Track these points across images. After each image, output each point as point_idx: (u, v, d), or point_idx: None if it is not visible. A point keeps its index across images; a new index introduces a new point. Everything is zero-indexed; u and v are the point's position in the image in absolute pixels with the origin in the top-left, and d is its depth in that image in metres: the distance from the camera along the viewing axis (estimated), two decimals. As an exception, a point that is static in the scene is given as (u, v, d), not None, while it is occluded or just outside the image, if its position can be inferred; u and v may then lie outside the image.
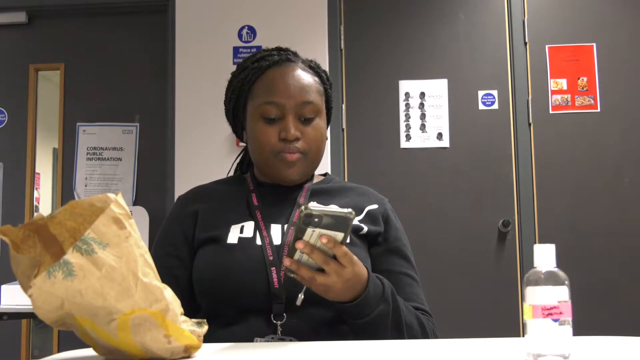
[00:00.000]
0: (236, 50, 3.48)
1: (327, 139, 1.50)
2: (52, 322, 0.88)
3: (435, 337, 1.35)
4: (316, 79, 1.46)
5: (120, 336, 0.88)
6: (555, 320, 0.86)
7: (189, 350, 0.96)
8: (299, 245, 1.07)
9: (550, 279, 0.88)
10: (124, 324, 0.87)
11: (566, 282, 0.88)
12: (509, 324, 3.39)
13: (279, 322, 1.24)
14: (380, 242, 1.43)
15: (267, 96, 1.40)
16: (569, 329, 0.87)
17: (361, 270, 1.16)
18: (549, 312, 0.86)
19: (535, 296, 0.87)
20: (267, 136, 1.38)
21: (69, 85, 3.86)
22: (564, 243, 3.44)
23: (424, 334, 1.31)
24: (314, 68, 1.49)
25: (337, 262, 1.11)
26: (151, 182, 3.71)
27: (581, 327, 3.52)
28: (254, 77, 1.44)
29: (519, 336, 1.03)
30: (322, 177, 1.56)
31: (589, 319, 3.37)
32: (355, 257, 1.14)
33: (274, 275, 1.26)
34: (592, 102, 3.51)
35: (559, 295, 0.87)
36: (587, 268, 3.42)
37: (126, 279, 0.86)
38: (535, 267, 0.90)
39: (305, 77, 1.43)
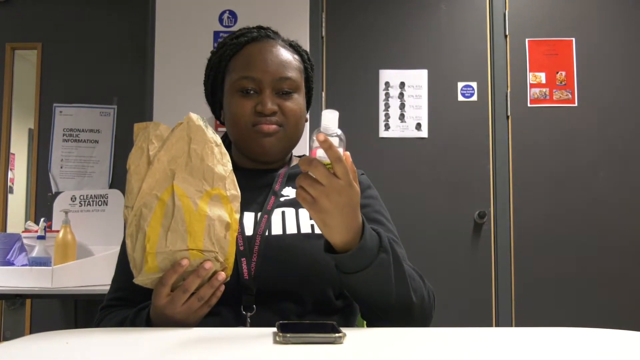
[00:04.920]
0: (217, 34, 3.45)
1: (306, 120, 1.47)
2: (163, 163, 1.07)
3: (433, 294, 1.31)
4: (296, 56, 1.45)
5: (200, 206, 1.07)
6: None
7: (225, 266, 1.09)
8: (320, 137, 1.02)
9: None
10: (207, 196, 1.08)
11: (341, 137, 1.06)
12: (483, 315, 3.42)
13: (248, 314, 1.22)
14: None
15: (243, 71, 1.38)
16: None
17: (357, 206, 1.09)
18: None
19: (314, 143, 1.02)
20: (243, 108, 1.36)
21: (46, 65, 3.81)
22: (539, 235, 3.47)
23: (426, 288, 1.27)
24: (294, 46, 1.48)
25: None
26: (128, 165, 3.68)
27: (556, 320, 3.54)
28: (231, 52, 1.42)
29: (492, 326, 1.04)
30: (299, 159, 1.54)
31: (564, 312, 3.41)
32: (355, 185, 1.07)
33: (244, 266, 1.24)
34: (570, 96, 3.54)
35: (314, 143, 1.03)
36: (562, 259, 3.45)
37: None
38: (321, 129, 1.03)
39: (284, 53, 1.42)
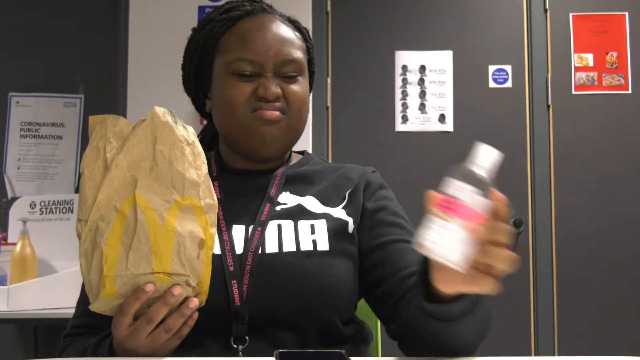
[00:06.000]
0: (202, 10, 3.45)
1: (309, 110, 1.47)
2: (123, 169, 1.05)
3: None
4: (297, 34, 1.44)
5: (167, 221, 1.05)
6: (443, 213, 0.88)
7: (198, 290, 1.08)
8: (499, 196, 0.93)
9: (470, 176, 0.90)
10: (176, 208, 1.07)
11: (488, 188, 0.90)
12: (519, 340, 3.41)
13: (240, 347, 1.22)
14: (361, 219, 1.39)
15: (240, 52, 1.37)
16: (456, 230, 0.88)
17: None
18: (447, 206, 0.88)
19: (449, 187, 0.89)
20: (241, 92, 1.35)
21: (0, 47, 3.81)
22: (587, 246, 3.45)
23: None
24: (293, 22, 1.47)
25: None
26: (97, 165, 3.68)
27: (607, 348, 3.51)
28: (222, 29, 1.41)
29: (530, 355, 1.03)
30: (300, 157, 1.52)
31: (616, 339, 3.39)
32: None
33: (235, 290, 1.23)
34: (622, 81, 3.52)
35: (463, 192, 0.88)
36: (614, 277, 3.44)
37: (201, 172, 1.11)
38: (466, 163, 0.92)
39: (286, 30, 1.41)
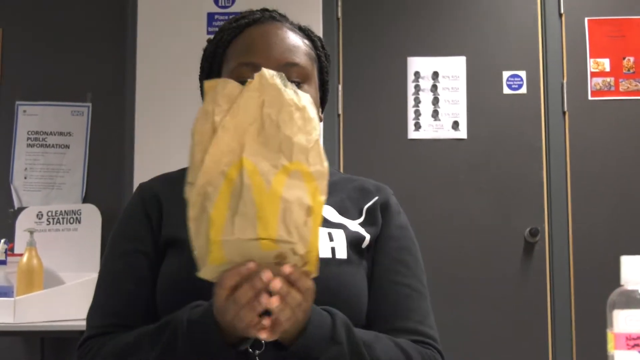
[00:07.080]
0: (211, 17, 3.45)
1: (321, 120, 1.46)
2: (230, 131, 1.04)
3: None
4: (306, 41, 1.45)
5: (273, 186, 1.03)
6: None
7: (304, 261, 1.05)
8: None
9: (635, 298, 0.85)
10: (283, 173, 1.04)
11: None
12: (536, 353, 3.39)
13: (257, 352, 1.20)
14: (373, 243, 1.40)
15: (242, 57, 1.38)
16: None
17: None
18: (635, 342, 0.82)
19: (618, 322, 0.83)
20: None
21: (6, 55, 3.82)
22: (604, 258, 3.43)
23: None
24: (304, 30, 1.48)
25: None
26: (105, 174, 3.68)
27: None
28: (229, 37, 1.42)
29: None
30: None
31: None
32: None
33: None
34: (640, 87, 3.52)
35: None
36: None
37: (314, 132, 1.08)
38: (622, 285, 0.87)
39: (292, 37, 1.42)
